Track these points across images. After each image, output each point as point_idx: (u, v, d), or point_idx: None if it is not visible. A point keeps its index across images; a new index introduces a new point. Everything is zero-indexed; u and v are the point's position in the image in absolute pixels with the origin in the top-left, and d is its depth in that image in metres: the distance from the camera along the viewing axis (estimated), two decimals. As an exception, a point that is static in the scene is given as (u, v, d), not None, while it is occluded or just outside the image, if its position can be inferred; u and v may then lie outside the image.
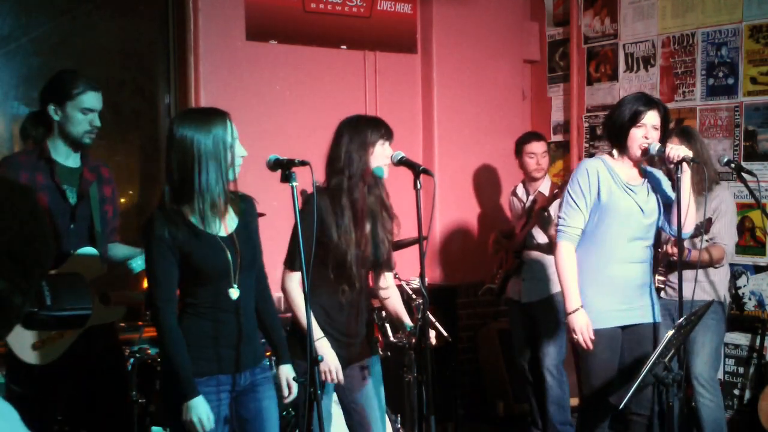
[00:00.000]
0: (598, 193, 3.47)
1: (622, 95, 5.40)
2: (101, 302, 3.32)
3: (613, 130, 3.51)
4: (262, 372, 2.91)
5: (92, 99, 3.30)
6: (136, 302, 3.65)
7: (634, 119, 3.43)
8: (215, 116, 2.72)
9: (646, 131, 3.43)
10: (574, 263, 3.48)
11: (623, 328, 3.53)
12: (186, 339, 2.72)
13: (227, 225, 2.79)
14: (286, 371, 2.97)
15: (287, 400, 3.00)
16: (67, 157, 3.34)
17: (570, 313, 3.46)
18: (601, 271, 3.48)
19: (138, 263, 3.29)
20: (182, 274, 2.73)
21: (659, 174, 3.61)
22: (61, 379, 3.26)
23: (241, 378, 2.83)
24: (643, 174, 3.56)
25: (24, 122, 3.40)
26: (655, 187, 3.56)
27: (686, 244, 3.92)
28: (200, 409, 2.66)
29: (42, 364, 3.18)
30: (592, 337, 3.44)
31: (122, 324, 3.69)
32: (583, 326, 3.43)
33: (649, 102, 3.47)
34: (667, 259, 4.07)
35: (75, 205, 3.33)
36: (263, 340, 3.01)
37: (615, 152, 3.53)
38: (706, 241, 4.02)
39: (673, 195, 3.55)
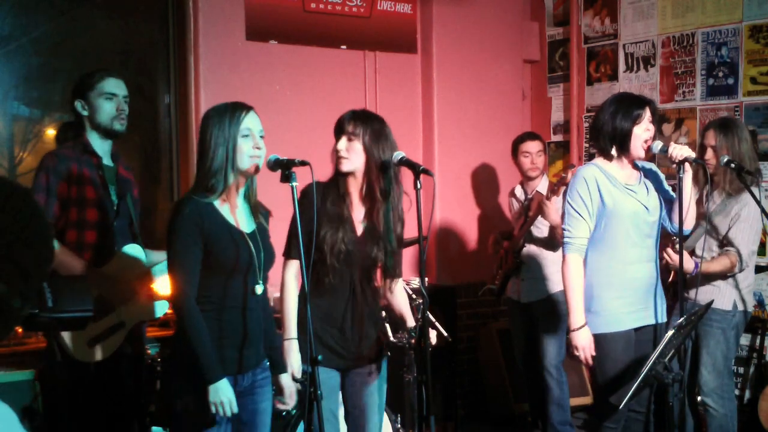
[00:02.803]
0: (602, 200, 3.44)
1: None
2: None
3: (614, 135, 3.46)
4: (262, 372, 2.92)
5: (112, 84, 3.37)
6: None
7: (636, 120, 3.44)
8: (234, 106, 2.78)
9: (645, 126, 3.46)
10: (581, 277, 3.45)
11: (636, 329, 3.53)
12: None
13: (250, 223, 2.84)
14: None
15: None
16: (104, 156, 3.41)
17: (573, 330, 3.44)
18: (615, 274, 3.46)
19: (160, 268, 3.33)
20: (203, 264, 2.73)
21: (653, 169, 3.62)
22: (113, 375, 3.29)
23: (244, 379, 2.84)
24: (639, 172, 3.56)
25: (57, 133, 3.49)
26: (653, 184, 3.57)
27: (690, 257, 3.89)
28: (227, 391, 2.66)
29: (98, 360, 3.23)
30: (593, 354, 3.44)
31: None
32: (586, 345, 3.42)
33: (641, 101, 3.50)
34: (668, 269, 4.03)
35: (117, 203, 3.39)
36: None
37: (614, 152, 3.50)
38: (718, 248, 4.00)
39: (670, 189, 3.60)
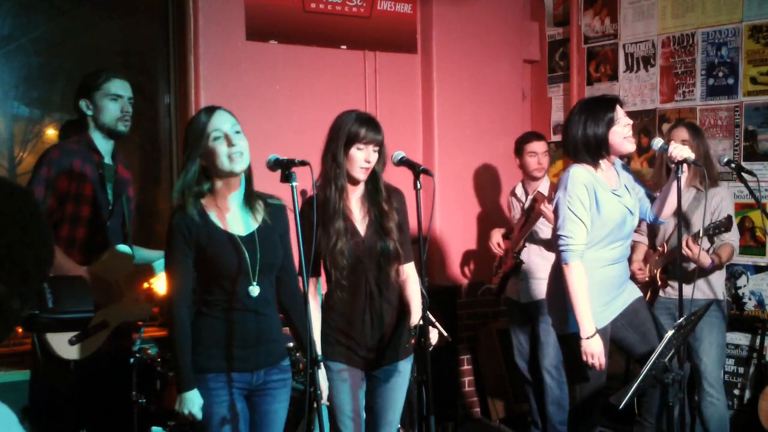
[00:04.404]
0: (597, 205, 3.40)
1: (622, 95, 5.43)
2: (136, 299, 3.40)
3: (589, 145, 3.41)
4: (279, 373, 2.92)
5: (118, 85, 3.40)
6: (161, 299, 3.66)
7: (610, 124, 3.40)
8: (200, 111, 2.80)
9: (623, 123, 3.41)
10: (587, 284, 3.36)
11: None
12: (198, 336, 2.77)
13: (247, 224, 2.83)
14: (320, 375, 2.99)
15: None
16: (106, 155, 3.41)
17: (586, 339, 3.35)
18: (592, 275, 3.42)
19: (161, 263, 3.33)
20: (199, 270, 2.77)
21: (623, 165, 3.64)
22: (93, 374, 3.28)
23: (254, 377, 2.84)
24: (616, 172, 3.56)
25: (60, 131, 3.49)
26: (627, 182, 3.58)
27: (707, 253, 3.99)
28: (191, 402, 2.70)
29: (78, 359, 3.22)
30: (606, 360, 3.40)
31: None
32: (600, 353, 3.37)
33: (610, 101, 3.45)
34: (673, 258, 4.08)
35: (113, 202, 3.37)
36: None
37: (600, 159, 3.43)
38: (711, 241, 4.09)
39: (641, 185, 3.69)
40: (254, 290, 2.79)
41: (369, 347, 3.18)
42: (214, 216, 2.78)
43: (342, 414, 3.14)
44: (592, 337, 3.35)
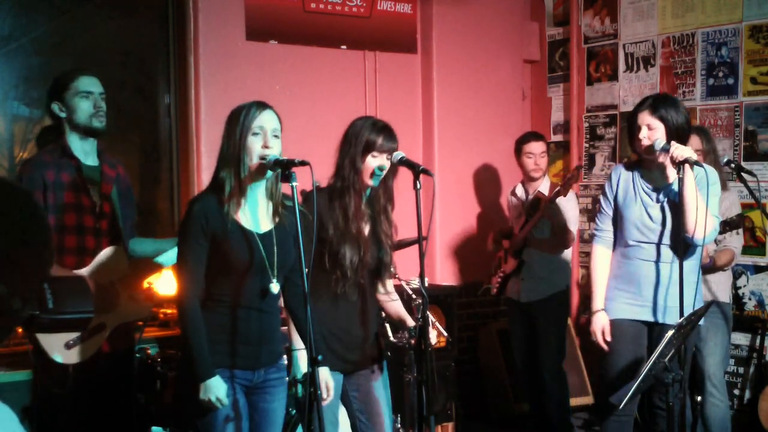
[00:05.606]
0: (616, 198, 3.63)
1: (622, 95, 5.45)
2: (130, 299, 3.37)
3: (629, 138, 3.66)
4: (277, 372, 2.93)
5: (87, 82, 3.35)
6: (160, 299, 3.64)
7: (633, 123, 3.52)
8: (251, 104, 2.81)
9: (640, 131, 3.48)
10: (607, 266, 3.67)
11: (650, 325, 3.55)
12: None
13: (266, 222, 2.83)
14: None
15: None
16: (87, 156, 3.37)
17: (593, 313, 3.65)
18: (620, 267, 3.62)
19: (166, 258, 3.31)
20: (210, 263, 2.75)
21: (699, 173, 3.47)
22: (92, 376, 3.27)
23: (255, 375, 2.85)
24: (670, 177, 3.51)
25: (37, 138, 3.44)
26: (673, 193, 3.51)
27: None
28: (216, 388, 2.68)
29: (75, 363, 3.20)
30: (608, 339, 3.57)
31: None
32: (599, 327, 3.59)
33: (638, 107, 3.55)
34: None
35: (100, 204, 3.35)
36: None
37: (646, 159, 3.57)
38: (716, 243, 4.09)
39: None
40: (275, 287, 2.79)
41: (354, 350, 3.18)
42: (234, 210, 2.76)
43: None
44: (596, 313, 3.62)
